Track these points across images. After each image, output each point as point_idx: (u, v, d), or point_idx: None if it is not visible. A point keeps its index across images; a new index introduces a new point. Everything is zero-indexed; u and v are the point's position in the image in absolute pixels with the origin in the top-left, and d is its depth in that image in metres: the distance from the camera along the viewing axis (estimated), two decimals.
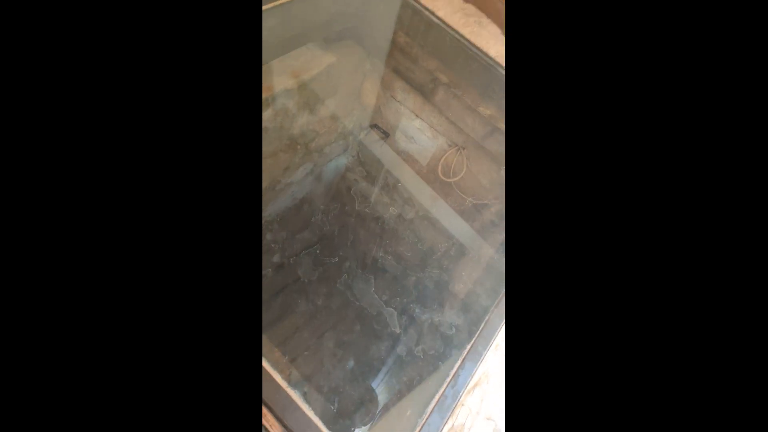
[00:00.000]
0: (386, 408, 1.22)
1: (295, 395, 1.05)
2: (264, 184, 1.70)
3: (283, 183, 1.74)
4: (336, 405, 1.19)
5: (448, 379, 1.11)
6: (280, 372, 1.09)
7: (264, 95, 1.69)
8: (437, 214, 1.82)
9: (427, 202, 1.86)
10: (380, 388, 1.25)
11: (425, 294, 1.47)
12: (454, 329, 1.41)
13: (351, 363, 1.28)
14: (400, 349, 1.35)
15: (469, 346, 1.17)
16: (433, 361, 1.32)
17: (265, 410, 1.03)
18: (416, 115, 1.97)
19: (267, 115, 1.71)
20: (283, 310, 1.35)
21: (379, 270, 1.49)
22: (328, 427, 1.04)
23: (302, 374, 1.25)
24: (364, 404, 1.22)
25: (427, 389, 1.14)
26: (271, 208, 1.66)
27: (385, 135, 2.00)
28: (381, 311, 1.39)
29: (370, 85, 2.03)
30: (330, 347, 1.31)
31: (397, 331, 1.36)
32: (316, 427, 1.04)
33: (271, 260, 1.44)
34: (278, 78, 1.72)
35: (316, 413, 1.05)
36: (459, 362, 1.14)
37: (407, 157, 1.99)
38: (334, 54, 1.82)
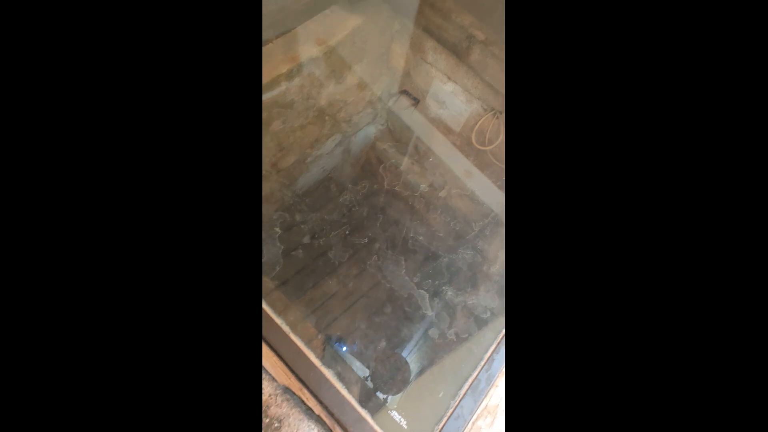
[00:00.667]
0: (418, 388, 1.22)
1: (329, 374, 1.07)
2: (293, 158, 1.67)
3: (313, 156, 1.70)
4: (369, 382, 1.20)
5: (482, 363, 1.09)
6: (314, 350, 1.11)
7: (290, 66, 1.62)
8: (472, 185, 1.73)
9: (460, 173, 1.76)
10: (411, 368, 1.25)
11: (458, 276, 1.43)
12: (489, 312, 1.37)
13: (383, 344, 1.28)
14: (432, 332, 1.33)
15: (504, 330, 1.13)
16: (466, 344, 1.29)
17: (300, 385, 1.06)
18: (449, 78, 1.83)
19: (293, 85, 1.65)
20: (313, 290, 1.36)
21: (410, 251, 1.45)
22: (362, 405, 1.06)
23: (336, 352, 1.27)
24: (396, 376, 1.23)
25: (461, 373, 1.13)
26: (300, 182, 1.63)
27: (416, 101, 1.88)
28: (412, 293, 1.36)
29: (399, 48, 1.90)
30: (362, 328, 1.31)
31: (429, 313, 1.34)
32: (350, 404, 1.05)
33: (300, 241, 1.43)
34: (303, 47, 1.63)
35: (349, 391, 1.07)
36: (494, 346, 1.11)
37: (439, 124, 1.88)
38: (360, 15, 1.69)
